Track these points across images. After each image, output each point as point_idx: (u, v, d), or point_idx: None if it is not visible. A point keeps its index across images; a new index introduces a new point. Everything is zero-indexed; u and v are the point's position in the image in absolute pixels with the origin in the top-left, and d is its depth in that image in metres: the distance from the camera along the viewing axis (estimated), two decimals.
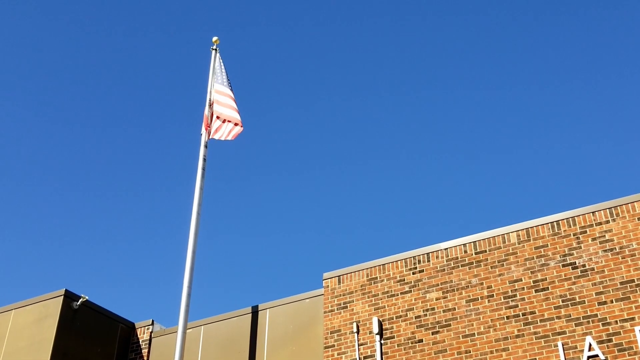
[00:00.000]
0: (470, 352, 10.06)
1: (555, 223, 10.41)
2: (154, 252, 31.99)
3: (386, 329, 10.83)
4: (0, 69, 30.20)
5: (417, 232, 29.46)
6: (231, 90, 13.68)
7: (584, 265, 9.92)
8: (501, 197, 29.80)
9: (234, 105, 13.37)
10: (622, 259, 9.73)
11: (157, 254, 31.30)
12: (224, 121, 13.21)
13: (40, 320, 12.32)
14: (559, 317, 9.74)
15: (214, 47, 14.47)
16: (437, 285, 10.79)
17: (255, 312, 12.36)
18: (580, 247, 10.06)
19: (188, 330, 12.11)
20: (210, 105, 13.57)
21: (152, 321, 13.40)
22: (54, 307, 12.31)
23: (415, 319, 10.69)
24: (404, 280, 11.11)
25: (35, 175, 31.09)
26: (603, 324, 9.42)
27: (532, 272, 10.21)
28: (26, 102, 30.74)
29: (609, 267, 9.75)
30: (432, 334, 10.45)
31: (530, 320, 9.90)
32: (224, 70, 14.04)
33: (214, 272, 28.42)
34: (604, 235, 9.98)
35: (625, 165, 27.33)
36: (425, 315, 10.64)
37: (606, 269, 9.75)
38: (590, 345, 9.36)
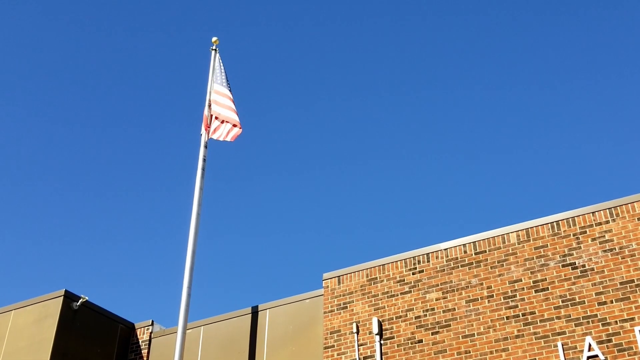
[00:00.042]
0: (470, 352, 10.06)
1: (555, 223, 10.41)
2: (154, 252, 32.00)
3: (386, 329, 10.83)
4: (0, 69, 30.21)
5: (417, 232, 29.47)
6: (230, 91, 13.68)
7: (583, 266, 9.92)
8: (501, 197, 29.80)
9: (233, 106, 13.37)
10: (622, 259, 9.73)
11: (157, 254, 31.31)
12: (222, 122, 13.21)
13: (40, 320, 12.32)
14: (558, 318, 9.74)
15: (214, 48, 14.47)
16: (437, 285, 10.79)
17: (255, 313, 12.36)
18: (580, 247, 10.06)
19: (188, 331, 12.11)
20: (210, 105, 13.58)
21: (152, 321, 13.40)
22: (54, 307, 12.31)
23: (415, 319, 10.69)
24: (403, 280, 11.10)
25: (35, 175, 31.10)
26: (603, 324, 9.42)
27: (532, 273, 10.21)
28: (26, 102, 30.75)
29: (609, 267, 9.74)
30: (432, 334, 10.44)
31: (530, 320, 9.90)
32: (223, 71, 14.04)
33: (214, 272, 28.43)
34: (604, 236, 9.97)
35: (625, 165, 27.33)
36: (425, 315, 10.64)
37: (606, 269, 9.75)
38: (590, 345, 9.35)
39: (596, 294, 9.67)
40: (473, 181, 29.94)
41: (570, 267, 10.00)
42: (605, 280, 9.69)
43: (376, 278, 11.35)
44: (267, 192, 31.34)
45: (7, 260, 29.77)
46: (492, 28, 30.52)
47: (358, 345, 10.91)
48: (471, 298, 10.45)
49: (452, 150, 29.83)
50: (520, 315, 10.00)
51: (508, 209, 29.04)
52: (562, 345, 9.52)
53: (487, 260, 10.62)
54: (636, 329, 9.19)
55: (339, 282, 11.65)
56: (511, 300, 10.15)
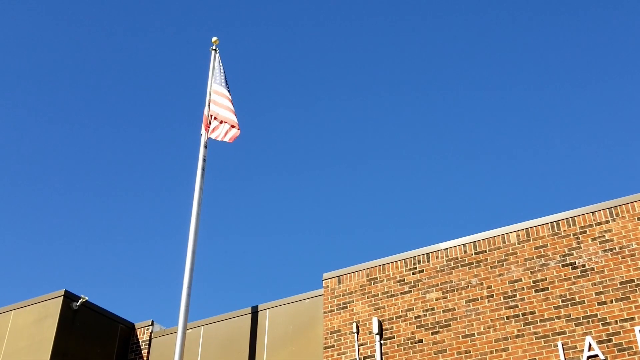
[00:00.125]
0: (470, 352, 10.06)
1: (555, 223, 10.41)
2: (153, 252, 32.00)
3: (386, 329, 10.83)
4: (1, 69, 30.21)
5: (417, 232, 29.47)
6: (229, 91, 13.67)
7: (583, 265, 9.92)
8: (501, 197, 29.80)
9: (231, 106, 13.36)
10: (621, 259, 9.73)
11: (157, 254, 31.30)
12: (220, 122, 13.20)
13: (40, 320, 12.32)
14: (558, 317, 9.74)
15: (214, 48, 14.47)
16: (437, 285, 10.79)
17: (255, 313, 12.36)
18: (580, 247, 10.06)
19: (188, 331, 12.11)
20: (209, 105, 13.57)
21: (152, 321, 13.40)
22: (54, 307, 12.31)
23: (415, 319, 10.69)
24: (403, 280, 11.10)
25: (35, 175, 31.10)
26: (603, 324, 9.42)
27: (532, 272, 10.21)
28: (26, 102, 30.75)
29: (609, 267, 9.74)
30: (432, 334, 10.44)
31: (530, 320, 9.90)
32: (222, 71, 14.04)
33: (214, 272, 28.43)
34: (604, 235, 9.97)
35: (625, 165, 27.33)
36: (425, 315, 10.64)
37: (606, 269, 9.75)
38: (590, 345, 9.35)
39: (596, 293, 9.67)
40: (473, 181, 29.95)
41: (570, 266, 10.00)
42: (605, 280, 9.69)
43: (376, 278, 11.35)
44: (267, 192, 31.35)
45: (7, 260, 29.78)
46: (492, 28, 30.53)
47: (358, 345, 10.91)
48: (471, 298, 10.45)
49: (452, 150, 29.84)
50: (520, 315, 10.00)
51: (508, 209, 29.05)
52: (562, 345, 9.52)
53: (487, 260, 10.62)
54: (636, 328, 9.19)
55: (339, 282, 11.65)
56: (511, 300, 10.15)
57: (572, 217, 10.31)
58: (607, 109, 28.35)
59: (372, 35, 31.24)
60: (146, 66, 32.08)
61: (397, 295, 11.02)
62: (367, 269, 11.51)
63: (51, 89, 31.29)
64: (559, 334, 9.63)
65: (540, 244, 10.35)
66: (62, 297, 12.35)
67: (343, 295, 11.49)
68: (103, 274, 30.42)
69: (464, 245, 10.91)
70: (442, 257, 10.98)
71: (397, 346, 10.61)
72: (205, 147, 13.22)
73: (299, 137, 31.80)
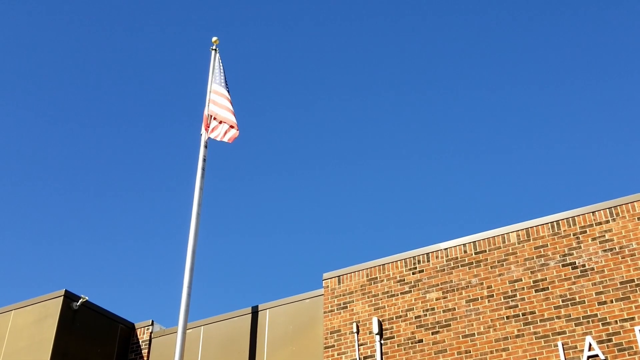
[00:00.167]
0: (470, 352, 10.06)
1: (555, 223, 10.41)
2: (154, 252, 32.00)
3: (386, 329, 10.83)
4: (1, 69, 30.21)
5: (417, 232, 29.47)
6: (228, 91, 13.67)
7: (583, 265, 9.92)
8: (501, 197, 29.80)
9: (230, 107, 13.35)
10: (622, 258, 9.73)
11: (157, 254, 31.31)
12: (220, 122, 13.19)
13: (40, 320, 12.32)
14: (558, 317, 9.74)
15: (214, 47, 14.46)
16: (437, 285, 10.79)
17: (255, 312, 12.36)
18: (580, 247, 10.06)
19: (188, 331, 12.11)
20: (209, 105, 13.57)
21: (152, 321, 13.40)
22: (54, 307, 12.30)
23: (415, 319, 10.69)
24: (403, 280, 11.10)
25: (35, 175, 31.10)
26: (603, 324, 9.42)
27: (532, 272, 10.21)
28: (26, 101, 30.76)
29: (609, 267, 9.75)
30: (432, 334, 10.44)
31: (530, 320, 9.90)
32: (222, 71, 14.03)
33: (214, 272, 28.43)
34: (604, 235, 9.97)
35: (625, 165, 27.33)
36: (425, 315, 10.64)
37: (606, 269, 9.75)
38: (590, 345, 9.35)
39: (596, 293, 9.67)
40: (473, 181, 29.95)
41: (570, 266, 10.00)
42: (605, 280, 9.69)
43: (376, 278, 11.35)
44: (267, 192, 31.36)
45: (7, 260, 29.78)
46: (492, 28, 30.53)
47: (358, 345, 10.91)
48: (471, 298, 10.45)
49: (452, 150, 29.85)
50: (521, 315, 10.00)
51: (508, 209, 29.05)
52: (562, 344, 9.52)
53: (487, 260, 10.62)
54: (636, 328, 9.19)
55: (339, 282, 11.65)
56: (511, 300, 10.15)
57: (572, 217, 10.31)
58: (607, 109, 28.36)
59: (372, 35, 31.25)
60: (146, 66, 32.09)
61: (397, 295, 11.02)
62: (367, 269, 11.51)
63: (51, 89, 31.30)
64: (559, 333, 9.63)
65: (541, 244, 10.35)
66: (62, 297, 12.35)
67: (343, 295, 11.50)
68: (103, 274, 30.43)
69: (464, 245, 10.91)
70: (442, 257, 10.98)
71: (397, 346, 10.61)
72: (206, 147, 13.22)
73: (298, 137, 31.81)
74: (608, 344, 9.28)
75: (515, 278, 10.28)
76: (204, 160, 13.08)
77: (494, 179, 30.27)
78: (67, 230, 31.44)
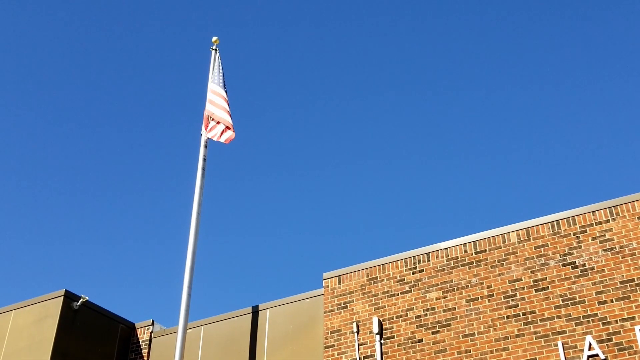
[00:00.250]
0: (470, 351, 10.06)
1: (555, 223, 10.41)
2: (154, 252, 32.00)
3: (386, 329, 10.83)
4: (1, 69, 30.22)
5: (417, 232, 29.47)
6: (226, 92, 13.66)
7: (584, 265, 9.92)
8: (501, 197, 29.81)
9: (227, 107, 13.34)
10: (622, 258, 9.73)
11: (157, 254, 31.31)
12: (217, 122, 13.18)
13: (40, 320, 12.32)
14: (559, 317, 9.74)
15: (214, 47, 14.46)
16: (437, 285, 10.79)
17: (255, 312, 12.36)
18: (580, 247, 10.06)
19: (188, 331, 12.11)
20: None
21: (152, 321, 13.40)
22: (54, 307, 12.31)
23: (416, 318, 10.69)
24: (404, 280, 11.11)
25: (35, 175, 31.10)
26: (603, 324, 9.42)
27: (532, 272, 10.21)
28: (26, 101, 30.76)
29: (609, 267, 9.75)
30: (432, 333, 10.45)
31: (530, 319, 9.90)
32: (221, 72, 14.02)
33: (214, 272, 28.43)
34: (604, 235, 9.98)
35: (625, 165, 27.34)
36: (426, 315, 10.64)
37: (606, 269, 9.75)
38: (590, 344, 9.35)
39: (596, 293, 9.67)
40: (473, 181, 29.95)
41: (570, 266, 10.00)
42: (606, 280, 9.69)
43: (376, 277, 11.35)
44: (267, 191, 31.36)
45: (7, 260, 29.78)
46: (492, 28, 30.54)
47: (358, 345, 10.91)
48: (471, 297, 10.45)
49: (452, 150, 29.86)
50: (521, 314, 10.00)
51: (508, 209, 29.05)
52: (563, 344, 9.52)
53: (487, 259, 10.63)
54: (636, 328, 9.19)
55: (339, 282, 11.65)
56: (511, 300, 10.15)
57: (572, 217, 10.32)
58: (607, 109, 28.37)
59: (372, 35, 31.25)
60: (146, 66, 32.10)
61: (398, 295, 11.02)
62: (367, 268, 11.52)
63: (51, 89, 31.30)
64: (559, 333, 9.64)
65: (541, 244, 10.35)
66: (62, 297, 12.35)
67: (343, 295, 11.50)
68: (103, 273, 30.44)
69: (464, 244, 10.91)
70: (442, 257, 10.98)
71: (398, 346, 10.62)
72: (206, 146, 13.22)
73: (298, 137, 31.81)
74: (608, 343, 9.28)
75: (515, 278, 10.29)
76: (204, 160, 13.08)
77: (494, 179, 30.28)
78: (67, 230, 31.45)
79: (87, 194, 31.31)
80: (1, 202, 30.09)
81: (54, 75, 31.32)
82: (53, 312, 12.26)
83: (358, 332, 11.01)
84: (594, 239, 10.02)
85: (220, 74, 13.98)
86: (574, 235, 10.19)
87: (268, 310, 12.27)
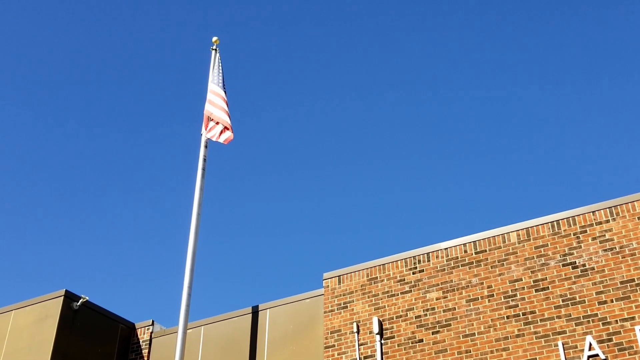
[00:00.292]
0: (470, 351, 10.06)
1: (555, 223, 10.41)
2: (154, 253, 32.00)
3: (386, 329, 10.83)
4: (1, 69, 30.23)
5: (417, 232, 29.46)
6: (225, 93, 13.66)
7: (584, 265, 9.92)
8: (501, 197, 29.81)
9: (226, 108, 13.34)
10: (622, 258, 9.73)
11: (158, 255, 31.31)
12: (217, 123, 13.18)
13: (40, 320, 12.32)
14: (559, 317, 9.74)
15: (214, 47, 14.45)
16: (437, 285, 10.79)
17: (255, 312, 12.36)
18: (581, 247, 10.06)
19: (188, 331, 12.11)
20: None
21: (153, 321, 13.40)
22: (54, 307, 12.31)
23: (416, 318, 10.69)
24: (404, 280, 11.11)
25: (35, 175, 31.11)
26: (603, 324, 9.42)
27: (532, 272, 10.21)
28: (25, 101, 30.76)
29: (609, 267, 9.75)
30: (433, 333, 10.45)
31: (530, 319, 9.90)
32: (221, 72, 14.02)
33: (214, 272, 28.42)
34: (604, 235, 9.98)
35: (625, 165, 27.33)
36: (426, 315, 10.64)
37: (606, 269, 9.75)
38: (590, 344, 9.36)
39: (596, 293, 9.67)
40: (473, 181, 29.95)
41: (570, 266, 10.00)
42: (606, 280, 9.69)
43: (376, 278, 11.35)
44: (268, 192, 31.36)
45: (7, 260, 29.79)
46: (492, 28, 30.54)
47: (358, 345, 10.91)
48: (471, 297, 10.45)
49: (452, 150, 29.86)
50: (521, 314, 10.00)
51: (508, 209, 29.06)
52: (563, 344, 9.52)
53: (487, 259, 10.63)
54: (636, 328, 9.19)
55: (339, 282, 11.65)
56: (511, 300, 10.15)
57: (573, 217, 10.32)
58: (607, 109, 28.37)
59: (372, 35, 31.25)
60: (146, 66, 32.10)
61: (398, 295, 11.02)
62: (367, 268, 11.52)
63: (51, 88, 31.31)
64: (559, 333, 9.64)
65: (541, 244, 10.35)
66: (62, 297, 12.35)
67: (343, 295, 11.50)
68: (103, 274, 30.44)
69: (464, 244, 10.91)
70: (442, 257, 10.98)
71: (398, 346, 10.62)
72: (206, 146, 13.22)
73: (298, 137, 31.81)
74: (608, 343, 9.28)
75: (515, 278, 10.29)
76: (204, 160, 13.07)
77: (494, 179, 30.28)
78: (68, 230, 31.45)
79: (87, 194, 31.32)
80: (1, 202, 30.10)
81: (54, 75, 31.33)
82: (53, 312, 12.26)
83: (358, 332, 11.01)
84: (594, 239, 10.02)
85: (220, 75, 13.97)
86: (574, 235, 10.19)
87: (268, 310, 12.27)
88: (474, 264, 10.67)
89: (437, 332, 10.43)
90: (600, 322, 9.45)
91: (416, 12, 31.05)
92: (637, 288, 9.46)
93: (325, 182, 31.06)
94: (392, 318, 10.88)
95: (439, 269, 10.91)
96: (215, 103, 13.41)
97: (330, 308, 11.50)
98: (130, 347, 13.29)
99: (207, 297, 27.06)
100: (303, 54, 32.08)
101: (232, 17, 31.71)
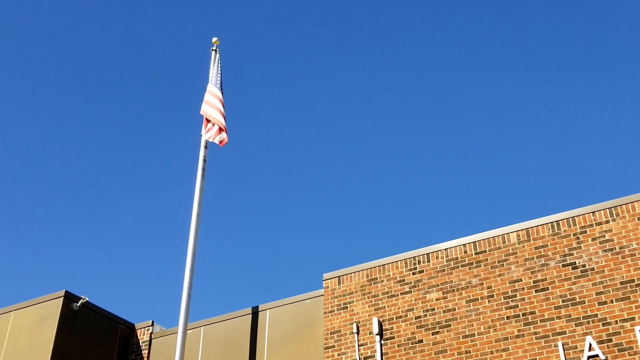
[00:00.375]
0: (470, 352, 10.05)
1: (555, 223, 10.41)
2: (154, 253, 32.00)
3: (386, 330, 10.83)
4: (1, 69, 30.23)
5: (417, 232, 29.46)
6: (222, 94, 13.65)
7: (584, 265, 9.92)
8: (501, 197, 29.81)
9: (222, 109, 13.33)
10: (622, 258, 9.73)
11: (157, 255, 31.30)
12: (214, 124, 13.18)
13: (40, 321, 12.31)
14: (559, 317, 9.74)
15: (214, 48, 14.45)
16: (437, 285, 10.79)
17: (255, 313, 12.36)
18: (580, 247, 10.05)
19: (188, 331, 12.11)
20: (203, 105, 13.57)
21: (152, 322, 13.40)
22: (54, 308, 12.31)
23: (416, 319, 10.69)
24: (404, 280, 11.10)
25: (35, 176, 31.11)
26: (603, 324, 9.42)
27: (532, 272, 10.21)
28: (26, 102, 30.76)
29: (609, 267, 9.74)
30: (432, 334, 10.44)
31: (530, 320, 9.90)
32: (219, 73, 14.01)
33: (214, 272, 28.42)
34: (604, 235, 9.97)
35: (625, 165, 27.32)
36: (426, 315, 10.64)
37: (606, 269, 9.75)
38: (590, 345, 9.35)
39: (596, 293, 9.67)
40: (473, 181, 29.94)
41: (570, 267, 10.00)
42: (606, 280, 9.68)
43: (376, 278, 11.35)
44: (267, 192, 31.36)
45: (7, 260, 29.79)
46: (492, 28, 30.54)
47: (358, 346, 10.91)
48: (471, 298, 10.44)
49: (452, 150, 29.85)
50: (521, 315, 10.00)
51: (508, 209, 29.05)
52: (563, 345, 9.52)
53: (487, 260, 10.62)
54: (636, 328, 9.19)
55: (339, 283, 11.65)
56: (511, 300, 10.15)
57: (572, 217, 10.31)
58: (607, 109, 28.36)
59: (372, 35, 31.25)
60: (146, 66, 32.10)
61: (398, 296, 11.02)
62: (367, 269, 11.51)
63: (51, 88, 31.31)
64: (559, 334, 9.63)
65: (541, 244, 10.35)
66: (62, 297, 12.34)
67: (343, 296, 11.49)
68: (103, 274, 30.43)
69: (464, 245, 10.91)
70: (442, 257, 10.98)
71: (398, 346, 10.61)
72: (206, 147, 13.22)
73: (298, 137, 31.81)
74: (608, 344, 9.27)
75: (515, 278, 10.28)
76: (204, 160, 13.07)
77: (494, 179, 30.27)
78: (67, 231, 31.45)
79: (87, 195, 31.32)
80: (1, 202, 30.11)
81: (54, 75, 31.33)
82: (53, 312, 12.26)
83: (358, 332, 11.01)
84: (594, 239, 10.02)
85: (219, 76, 13.97)
86: (574, 235, 10.19)
87: (268, 310, 12.27)
88: (474, 265, 10.66)
89: (437, 332, 10.42)
90: (600, 323, 9.44)
91: (416, 12, 31.05)
92: (637, 288, 9.45)
93: (325, 182, 31.07)
94: (392, 319, 10.87)
95: (439, 269, 10.91)
96: (212, 104, 13.41)
97: (330, 308, 11.49)
98: (130, 348, 13.28)
99: (207, 298, 27.07)
100: (303, 54, 32.08)
101: (232, 17, 31.71)
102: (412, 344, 10.52)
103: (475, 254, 10.75)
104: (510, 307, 10.12)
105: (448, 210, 29.65)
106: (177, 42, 31.72)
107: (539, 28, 29.50)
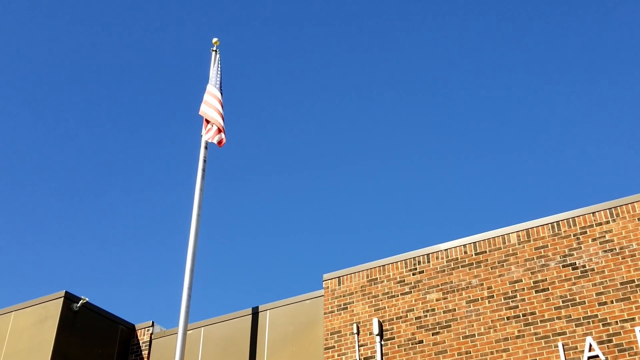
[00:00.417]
0: (470, 352, 10.05)
1: (555, 223, 10.41)
2: (154, 254, 32.00)
3: (386, 330, 10.83)
4: (1, 69, 30.23)
5: (417, 233, 29.46)
6: (221, 95, 13.65)
7: (584, 266, 9.92)
8: (501, 197, 29.81)
9: (220, 110, 13.33)
10: (622, 259, 9.73)
11: (158, 256, 31.30)
12: (212, 125, 13.18)
13: (40, 322, 12.32)
14: (559, 318, 9.74)
15: (214, 49, 14.45)
16: (438, 286, 10.79)
17: (255, 314, 12.36)
18: (581, 248, 10.05)
19: (188, 332, 12.11)
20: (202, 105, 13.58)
21: (152, 323, 13.40)
22: (54, 308, 12.31)
23: (416, 319, 10.69)
24: (404, 281, 11.10)
25: (35, 176, 31.11)
26: (603, 325, 9.42)
27: (532, 273, 10.21)
28: (26, 102, 30.76)
29: (609, 268, 9.74)
30: (433, 334, 10.44)
31: (530, 320, 9.90)
32: (219, 74, 14.01)
33: (214, 273, 28.42)
34: (604, 236, 9.97)
35: (625, 165, 27.32)
36: (426, 316, 10.64)
37: (606, 270, 9.75)
38: (590, 345, 9.35)
39: (597, 294, 9.67)
40: (473, 181, 29.94)
41: (570, 267, 10.00)
42: (606, 281, 9.68)
43: (376, 279, 11.35)
44: (267, 192, 31.36)
45: (7, 260, 29.79)
46: (491, 28, 30.54)
47: (358, 346, 10.91)
48: (471, 298, 10.44)
49: (452, 150, 29.85)
50: (521, 315, 10.00)
51: (508, 209, 29.05)
52: (563, 345, 9.52)
53: (487, 260, 10.62)
54: (637, 329, 9.19)
55: (339, 283, 11.65)
56: (512, 301, 10.15)
57: (573, 218, 10.31)
58: (607, 109, 28.36)
59: (372, 35, 31.25)
60: (146, 66, 32.10)
61: (398, 296, 11.02)
62: (367, 269, 11.51)
63: (51, 89, 31.31)
64: (559, 334, 9.63)
65: (541, 245, 10.35)
66: (62, 298, 12.35)
67: (343, 296, 11.49)
68: (103, 275, 30.44)
69: (464, 245, 10.91)
70: (442, 258, 10.98)
71: (398, 347, 10.61)
72: (206, 148, 13.22)
73: (298, 137, 31.81)
74: (608, 344, 9.27)
75: (515, 279, 10.28)
76: (205, 161, 13.07)
77: (494, 179, 30.27)
78: (67, 231, 31.45)
79: (87, 194, 31.32)
80: (1, 202, 30.10)
81: (54, 75, 31.33)
82: (53, 313, 12.26)
83: (358, 333, 11.01)
84: (594, 240, 10.01)
85: (218, 76, 13.97)
86: (574, 236, 10.18)
87: (268, 311, 12.27)
88: (474, 265, 10.66)
89: (437, 333, 10.42)
90: (601, 323, 9.44)
91: (416, 12, 31.05)
92: (637, 289, 9.45)
93: (325, 182, 31.07)
94: (392, 319, 10.87)
95: (439, 270, 10.91)
96: (211, 104, 13.42)
97: (330, 309, 11.49)
98: (130, 349, 13.29)
99: (207, 298, 27.07)
100: (303, 54, 32.08)
101: (232, 17, 31.70)
102: (412, 344, 10.52)
103: (476, 254, 10.75)
104: (510, 308, 10.12)
105: (448, 211, 29.65)
106: (177, 42, 31.73)
107: (539, 28, 29.50)
